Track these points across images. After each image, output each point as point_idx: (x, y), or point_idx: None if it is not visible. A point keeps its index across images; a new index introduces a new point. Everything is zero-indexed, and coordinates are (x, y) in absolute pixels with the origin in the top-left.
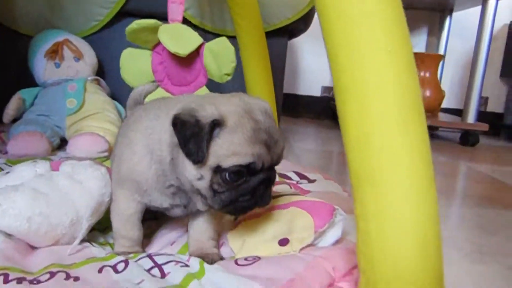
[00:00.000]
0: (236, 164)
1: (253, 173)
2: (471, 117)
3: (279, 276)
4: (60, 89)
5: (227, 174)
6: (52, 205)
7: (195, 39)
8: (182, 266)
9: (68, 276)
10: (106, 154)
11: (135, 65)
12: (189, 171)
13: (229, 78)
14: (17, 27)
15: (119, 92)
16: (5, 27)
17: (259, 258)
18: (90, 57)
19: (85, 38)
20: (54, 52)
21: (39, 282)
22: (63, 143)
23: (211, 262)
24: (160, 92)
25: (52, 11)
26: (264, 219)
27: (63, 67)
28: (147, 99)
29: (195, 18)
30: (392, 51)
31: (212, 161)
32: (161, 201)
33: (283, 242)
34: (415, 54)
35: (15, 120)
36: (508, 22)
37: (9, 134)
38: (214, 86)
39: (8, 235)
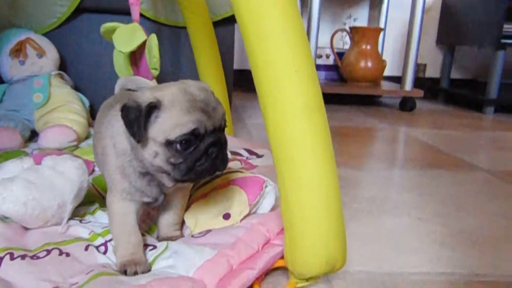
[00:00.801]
0: (181, 134)
1: (200, 138)
2: (408, 84)
3: (225, 241)
4: (26, 85)
5: (177, 145)
6: (42, 192)
7: (138, 38)
8: (151, 249)
9: (61, 252)
10: (75, 143)
11: (118, 61)
12: (146, 152)
13: (157, 72)
14: None
15: (81, 84)
16: None
17: (210, 230)
18: (52, 53)
19: (45, 34)
20: (18, 51)
21: (38, 257)
22: (33, 135)
23: (173, 241)
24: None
25: (12, 10)
26: (210, 198)
27: (27, 64)
28: None
29: (149, 11)
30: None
31: (160, 137)
32: (146, 193)
33: (226, 216)
34: (358, 28)
35: None
36: None
37: None
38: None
39: (4, 221)
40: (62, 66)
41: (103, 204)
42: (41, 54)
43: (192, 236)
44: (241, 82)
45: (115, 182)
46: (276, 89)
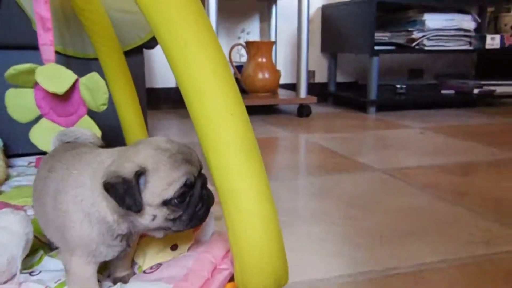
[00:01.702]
0: (176, 190)
1: (191, 186)
2: (303, 92)
3: (178, 274)
4: None
5: (175, 201)
6: None
7: (70, 77)
8: None
9: None
10: None
11: (20, 103)
12: (142, 218)
13: (105, 107)
14: None
15: None
16: None
17: (160, 264)
18: None
19: None
20: None
21: None
22: None
23: (126, 281)
24: (45, 124)
25: None
26: None
27: None
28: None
29: (57, 45)
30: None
31: (156, 200)
32: (111, 253)
33: (173, 247)
34: (252, 42)
35: None
36: (321, 6)
37: None
38: (93, 113)
39: None
40: None
41: (46, 249)
42: None
43: (144, 272)
44: (149, 100)
45: (81, 246)
46: (216, 132)
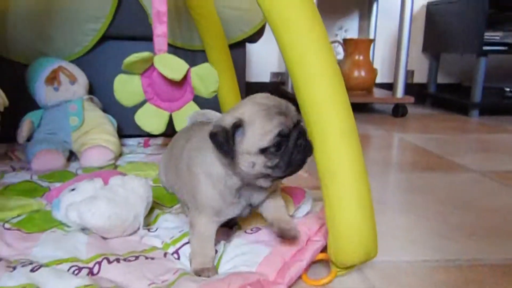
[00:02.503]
0: (270, 139)
1: (287, 136)
2: (399, 91)
3: (275, 239)
4: (62, 109)
5: (271, 149)
6: (121, 207)
7: (183, 65)
8: None
9: (146, 257)
10: (113, 161)
11: (127, 88)
12: (243, 166)
13: (215, 93)
14: (8, 55)
15: (109, 106)
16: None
17: (260, 228)
18: (82, 79)
19: (73, 61)
20: (53, 79)
21: (130, 261)
22: (71, 155)
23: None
24: (150, 108)
25: (42, 40)
26: None
27: (61, 90)
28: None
29: (168, 38)
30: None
31: (254, 148)
32: (233, 211)
33: None
34: (350, 40)
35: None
36: (426, 3)
37: (27, 153)
38: (200, 99)
39: (85, 233)
40: (91, 90)
41: (160, 211)
42: (73, 80)
43: (245, 232)
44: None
45: (207, 206)
46: (322, 120)
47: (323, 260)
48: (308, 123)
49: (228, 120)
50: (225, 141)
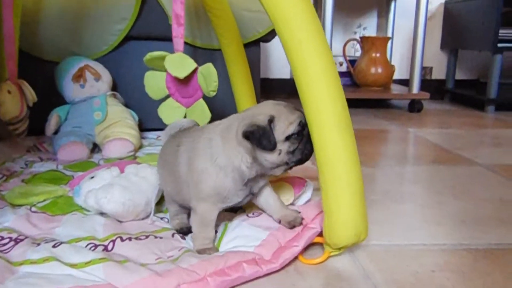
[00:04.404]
0: (294, 127)
1: (304, 125)
2: (415, 88)
3: (274, 225)
4: (87, 105)
5: (294, 136)
6: (134, 193)
7: (190, 65)
8: None
9: (156, 237)
10: (133, 153)
11: (154, 83)
12: (273, 156)
13: (214, 93)
14: (41, 54)
15: (131, 101)
16: (31, 56)
17: (261, 213)
18: (106, 77)
19: (98, 59)
20: (79, 76)
21: (140, 239)
22: (94, 147)
23: (300, 222)
24: (171, 102)
25: (71, 39)
26: None
27: (87, 87)
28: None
29: (187, 37)
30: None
31: (282, 137)
32: (237, 198)
33: None
34: (367, 38)
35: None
36: (444, 1)
37: (54, 145)
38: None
39: (102, 216)
40: (114, 87)
41: None
42: (97, 78)
43: (247, 215)
44: (263, 89)
45: (214, 194)
46: (320, 114)
47: (318, 243)
48: (309, 117)
49: (261, 118)
50: (263, 137)
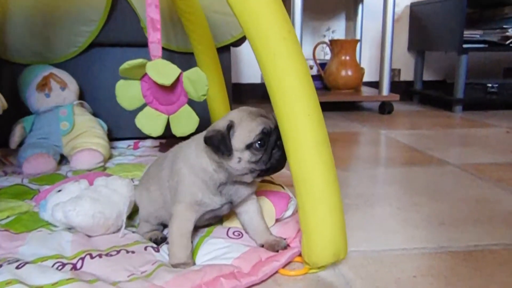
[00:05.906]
0: (255, 135)
1: (269, 135)
2: (385, 90)
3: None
4: (53, 115)
5: (256, 145)
6: (104, 206)
7: (175, 70)
8: None
9: (127, 251)
10: (102, 164)
11: (128, 93)
12: (231, 162)
13: (205, 97)
14: (7, 56)
15: (99, 110)
16: None
17: (243, 235)
18: (73, 85)
19: (66, 66)
20: (44, 85)
21: (111, 255)
22: (62, 158)
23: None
24: (149, 111)
25: (38, 41)
26: None
27: (52, 96)
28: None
29: (163, 42)
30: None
31: (241, 145)
32: (214, 202)
33: None
34: (336, 41)
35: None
36: (409, 4)
37: (19, 157)
38: (193, 102)
39: (70, 231)
40: (81, 95)
41: None
42: (63, 86)
43: (227, 235)
44: (234, 94)
45: (188, 194)
46: (295, 130)
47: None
48: (283, 132)
49: (221, 124)
50: (221, 142)
